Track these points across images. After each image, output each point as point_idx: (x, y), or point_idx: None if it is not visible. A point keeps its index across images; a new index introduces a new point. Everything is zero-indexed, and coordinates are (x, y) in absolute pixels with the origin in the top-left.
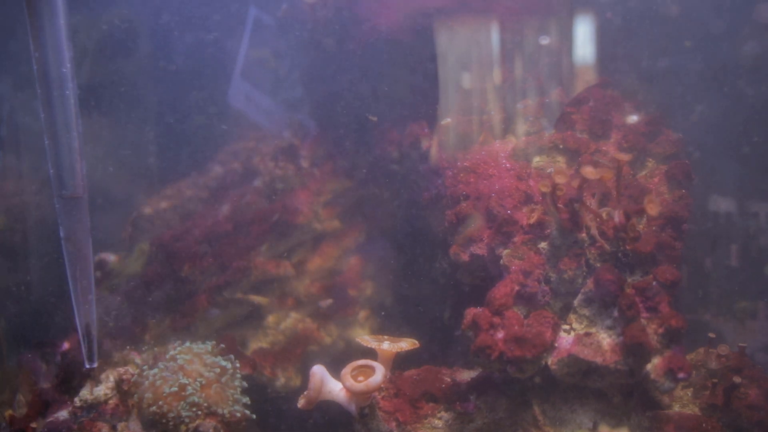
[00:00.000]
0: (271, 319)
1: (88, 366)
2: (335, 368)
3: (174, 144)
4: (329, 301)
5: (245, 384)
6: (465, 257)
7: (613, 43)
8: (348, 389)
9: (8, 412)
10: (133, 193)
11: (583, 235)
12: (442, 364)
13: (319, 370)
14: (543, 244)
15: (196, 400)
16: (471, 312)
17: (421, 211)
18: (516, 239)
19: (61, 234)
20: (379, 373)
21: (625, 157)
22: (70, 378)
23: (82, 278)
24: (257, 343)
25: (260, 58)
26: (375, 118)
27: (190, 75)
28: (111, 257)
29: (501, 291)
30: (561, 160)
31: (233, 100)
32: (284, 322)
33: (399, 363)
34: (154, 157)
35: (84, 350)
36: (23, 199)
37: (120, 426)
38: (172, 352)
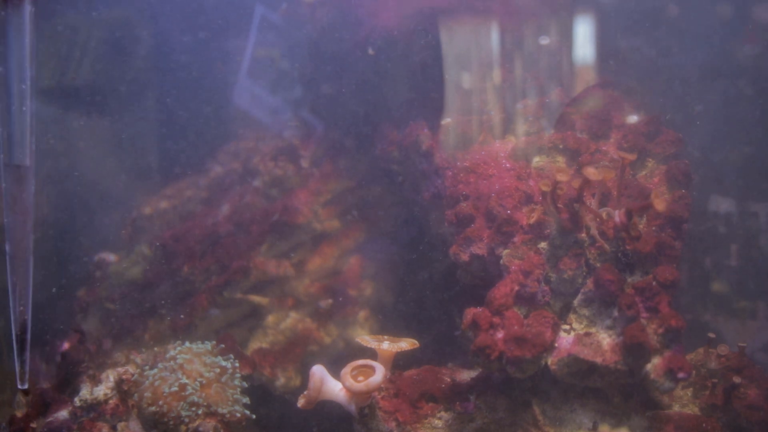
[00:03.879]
0: (271, 319)
1: (20, 386)
2: (335, 368)
3: (174, 144)
4: (329, 301)
5: (245, 384)
6: (465, 257)
7: (613, 43)
8: (348, 389)
9: (8, 412)
10: (133, 193)
11: (583, 235)
12: (442, 364)
13: (318, 370)
14: (543, 244)
15: (196, 400)
16: (471, 312)
17: (421, 211)
18: (516, 239)
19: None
20: (379, 373)
21: (631, 155)
22: (70, 378)
23: (19, 261)
24: (257, 343)
25: (267, 57)
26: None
27: (191, 74)
28: (111, 257)
29: (501, 291)
30: (561, 160)
31: (238, 99)
32: (284, 322)
33: (399, 363)
34: (155, 157)
35: (16, 363)
36: None
37: (120, 426)
38: (172, 352)
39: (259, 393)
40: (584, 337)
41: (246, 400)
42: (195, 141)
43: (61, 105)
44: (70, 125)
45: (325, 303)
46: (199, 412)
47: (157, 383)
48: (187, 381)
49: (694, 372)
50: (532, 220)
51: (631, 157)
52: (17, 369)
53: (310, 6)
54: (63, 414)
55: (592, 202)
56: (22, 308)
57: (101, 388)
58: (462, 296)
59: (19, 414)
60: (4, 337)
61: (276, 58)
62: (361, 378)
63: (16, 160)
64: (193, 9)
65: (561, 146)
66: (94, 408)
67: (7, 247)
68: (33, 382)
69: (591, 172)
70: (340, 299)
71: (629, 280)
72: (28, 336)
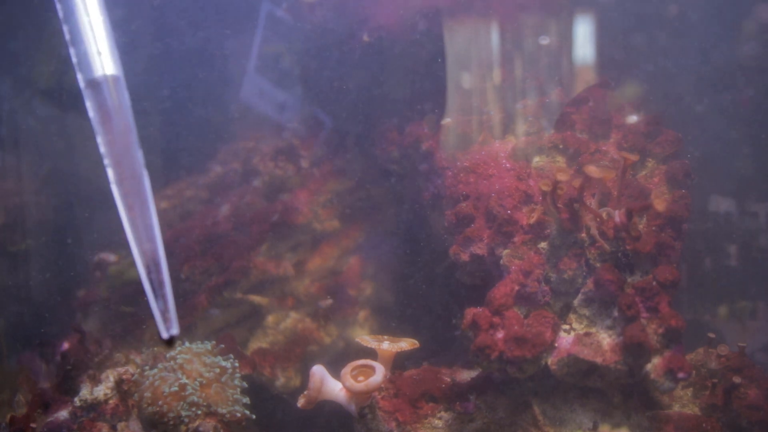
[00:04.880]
0: (270, 319)
1: (166, 334)
2: (335, 368)
3: (175, 143)
4: (329, 301)
5: (245, 384)
6: (465, 257)
7: (612, 43)
8: (348, 389)
9: (8, 412)
10: None
11: (583, 235)
12: (442, 364)
13: (318, 370)
14: (543, 244)
15: (196, 400)
16: (471, 312)
17: (421, 211)
18: (516, 239)
19: (100, 142)
20: (379, 373)
21: (633, 156)
22: (70, 378)
23: (131, 188)
24: (257, 343)
25: (274, 53)
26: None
27: (193, 72)
28: (111, 257)
29: (501, 291)
30: (561, 160)
31: (246, 96)
32: (284, 322)
33: (399, 363)
34: (155, 157)
35: (155, 310)
36: (23, 199)
37: (120, 426)
38: (171, 352)
39: (259, 393)
40: (584, 337)
41: (246, 400)
42: (196, 141)
43: (61, 105)
44: (70, 125)
45: (325, 303)
46: (199, 412)
47: (157, 383)
48: (187, 381)
49: (694, 372)
50: (532, 220)
51: (634, 157)
52: (158, 316)
53: (309, 6)
54: (63, 414)
55: (592, 202)
56: (149, 244)
57: (101, 388)
58: (462, 296)
59: (19, 414)
60: (3, 338)
61: (283, 53)
62: (361, 378)
63: (103, 71)
64: (196, 5)
65: (561, 146)
66: (94, 408)
67: (111, 174)
68: (33, 381)
69: (592, 170)
70: (340, 299)
71: (629, 280)
72: (164, 268)
